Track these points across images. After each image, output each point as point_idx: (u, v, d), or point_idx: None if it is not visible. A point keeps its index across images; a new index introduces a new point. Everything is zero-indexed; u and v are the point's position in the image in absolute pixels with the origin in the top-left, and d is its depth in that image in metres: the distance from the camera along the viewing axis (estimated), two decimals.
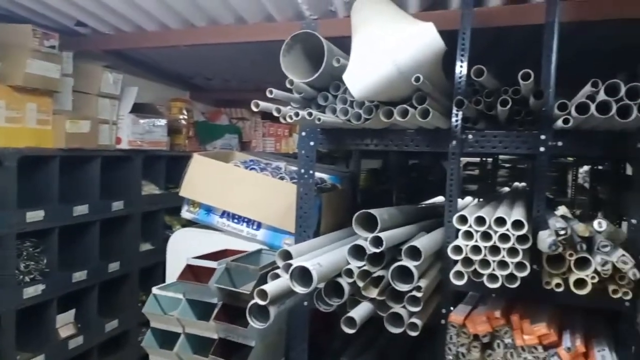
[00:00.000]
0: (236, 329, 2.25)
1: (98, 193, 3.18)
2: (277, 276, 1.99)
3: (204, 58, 3.60)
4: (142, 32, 3.07)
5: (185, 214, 2.92)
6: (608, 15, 2.14)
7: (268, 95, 1.87)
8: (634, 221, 1.96)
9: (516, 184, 5.02)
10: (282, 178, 2.76)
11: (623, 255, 1.73)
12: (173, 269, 2.80)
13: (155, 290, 2.54)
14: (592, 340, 2.07)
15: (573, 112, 1.61)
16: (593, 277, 1.79)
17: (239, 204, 2.65)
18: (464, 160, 5.34)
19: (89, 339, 3.16)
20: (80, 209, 2.99)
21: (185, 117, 4.15)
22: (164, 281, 3.47)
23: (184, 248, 2.72)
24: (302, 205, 2.47)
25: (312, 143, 2.42)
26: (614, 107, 1.51)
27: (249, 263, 2.50)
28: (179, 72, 4.23)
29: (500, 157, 5.03)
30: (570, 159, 5.30)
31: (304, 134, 2.43)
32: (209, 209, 2.82)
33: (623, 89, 1.53)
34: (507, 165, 5.76)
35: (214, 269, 2.43)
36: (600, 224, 1.81)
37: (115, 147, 3.31)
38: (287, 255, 2.02)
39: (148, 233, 3.79)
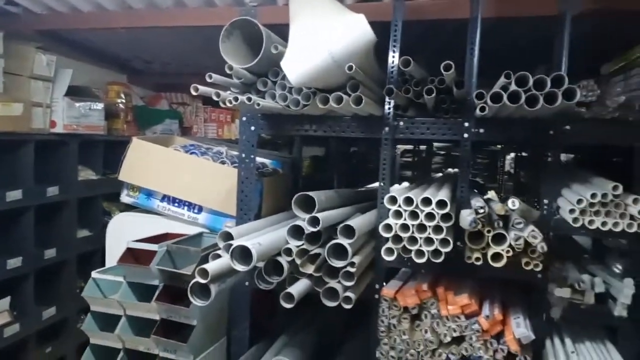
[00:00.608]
0: (178, 309, 2.30)
1: (32, 178, 3.08)
2: (218, 256, 2.06)
3: (143, 41, 3.52)
4: (78, 13, 2.98)
5: (125, 198, 2.90)
6: (521, 12, 2.33)
7: (207, 80, 1.92)
8: (545, 201, 2.17)
9: (449, 169, 5.29)
10: (223, 162, 2.81)
11: (533, 230, 1.93)
12: (113, 254, 2.79)
13: (94, 274, 2.53)
14: (509, 309, 2.29)
15: (489, 101, 1.78)
16: (508, 251, 1.98)
17: (180, 188, 2.68)
18: (401, 147, 5.58)
19: (25, 327, 3.09)
20: (14, 194, 2.89)
21: (124, 101, 4.06)
22: (103, 267, 3.44)
23: (123, 233, 2.72)
24: (243, 189, 2.54)
25: (252, 128, 2.49)
26: (523, 97, 1.69)
27: (191, 246, 2.54)
28: (116, 54, 4.12)
29: (435, 144, 5.29)
30: (499, 146, 5.66)
31: (244, 119, 2.49)
32: (149, 193, 2.82)
33: (531, 81, 1.71)
34: (441, 152, 6.05)
35: (154, 252, 2.46)
36: (513, 203, 2.01)
37: (49, 131, 3.21)
38: (228, 237, 2.09)
39: (85, 219, 3.71)
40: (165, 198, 2.78)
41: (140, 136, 3.04)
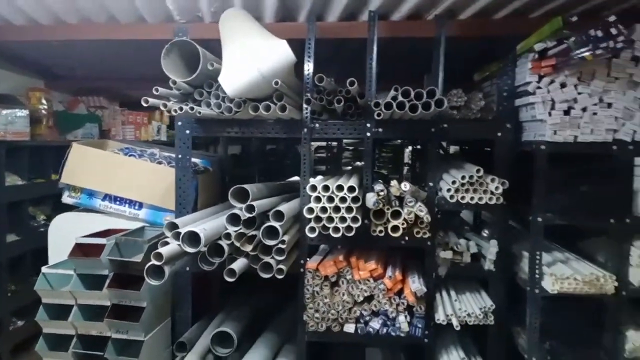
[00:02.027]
0: (129, 293, 2.60)
1: None
2: (166, 244, 2.41)
3: (74, 51, 3.65)
4: (10, 26, 3.10)
5: (67, 199, 3.09)
6: (408, 33, 2.90)
7: (154, 93, 2.26)
8: (430, 184, 2.76)
9: (357, 163, 5.90)
10: (160, 163, 3.11)
11: (420, 206, 2.51)
12: (56, 252, 2.99)
13: (44, 269, 2.73)
14: (407, 271, 2.86)
15: (383, 109, 2.31)
16: (403, 224, 2.54)
17: (123, 187, 2.94)
18: (315, 144, 6.11)
19: None
20: None
21: (45, 106, 4.15)
22: (34, 270, 3.55)
23: (66, 231, 2.92)
24: (181, 186, 2.89)
25: (187, 131, 2.84)
26: (407, 105, 2.24)
27: (135, 238, 2.83)
28: (37, 61, 4.18)
29: (345, 141, 5.88)
30: (399, 142, 6.39)
31: (180, 123, 2.83)
32: (90, 193, 3.05)
33: (412, 93, 2.27)
34: (350, 148, 6.67)
35: (100, 246, 2.72)
36: (405, 186, 2.57)
37: None
38: (174, 226, 2.44)
39: (13, 224, 3.79)
40: (107, 197, 3.03)
41: (79, 141, 3.23)
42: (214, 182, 3.40)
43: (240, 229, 2.47)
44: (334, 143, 5.80)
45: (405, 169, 6.59)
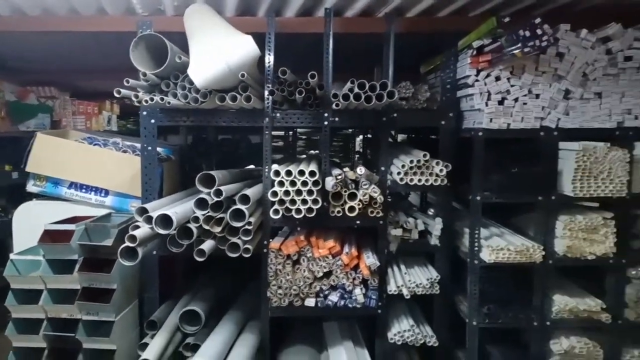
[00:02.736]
0: (100, 275, 2.71)
1: None
2: (137, 228, 2.54)
3: (33, 43, 3.63)
4: None
5: (32, 188, 3.13)
6: (361, 29, 3.13)
7: (125, 84, 2.37)
8: (382, 168, 3.01)
9: (311, 151, 6.13)
10: (125, 151, 3.21)
11: (374, 187, 2.76)
12: (22, 240, 3.03)
13: (12, 256, 2.79)
14: (362, 248, 3.11)
15: (341, 99, 2.54)
16: (359, 204, 2.79)
17: (90, 176, 3.02)
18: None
19: None
20: None
21: None
22: None
23: (32, 219, 2.98)
24: (147, 173, 3.00)
25: (152, 121, 2.95)
26: (363, 97, 2.48)
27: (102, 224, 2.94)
28: None
29: (299, 130, 6.08)
30: (350, 131, 6.67)
31: (145, 113, 2.94)
32: (56, 182, 3.10)
33: (367, 85, 2.50)
34: (303, 137, 6.89)
35: (68, 233, 2.81)
36: (360, 170, 2.81)
37: None
38: (144, 211, 2.57)
39: None
40: (72, 185, 3.09)
41: (43, 131, 3.26)
42: (176, 170, 3.52)
43: (209, 212, 2.63)
44: (290, 132, 5.99)
45: (356, 156, 6.89)
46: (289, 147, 6.08)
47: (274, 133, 5.91)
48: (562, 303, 2.84)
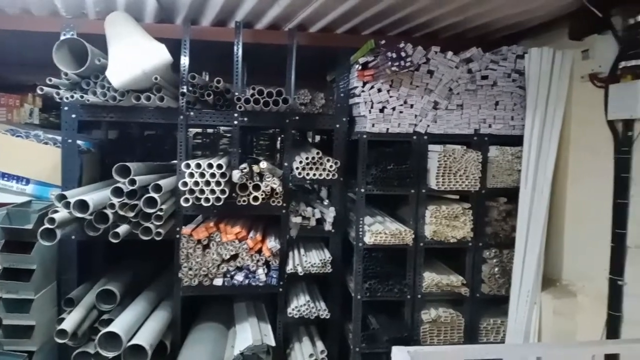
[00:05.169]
0: (21, 256, 2.94)
1: None
2: (56, 212, 2.81)
3: None
4: None
5: None
6: (267, 40, 3.55)
7: (48, 82, 2.65)
8: (286, 163, 3.45)
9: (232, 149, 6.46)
10: (46, 143, 3.43)
11: (275, 180, 3.19)
12: None
13: None
14: (267, 234, 3.54)
15: (243, 103, 2.96)
16: (262, 195, 3.20)
17: (12, 165, 3.22)
18: (194, 131, 6.54)
19: None
20: None
21: None
22: None
23: None
24: (67, 163, 3.25)
25: (73, 115, 3.21)
26: (261, 102, 2.91)
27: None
28: None
29: (222, 129, 6.41)
30: (276, 130, 7.08)
31: (66, 108, 3.19)
32: None
33: (265, 92, 2.93)
34: (227, 135, 7.20)
35: None
36: (263, 164, 3.23)
37: None
38: (63, 197, 2.85)
39: None
40: None
41: None
42: (96, 162, 3.77)
43: (124, 199, 2.94)
44: (212, 130, 6.31)
45: (278, 155, 7.33)
46: (211, 145, 6.40)
47: (197, 131, 6.20)
48: (430, 279, 3.41)
